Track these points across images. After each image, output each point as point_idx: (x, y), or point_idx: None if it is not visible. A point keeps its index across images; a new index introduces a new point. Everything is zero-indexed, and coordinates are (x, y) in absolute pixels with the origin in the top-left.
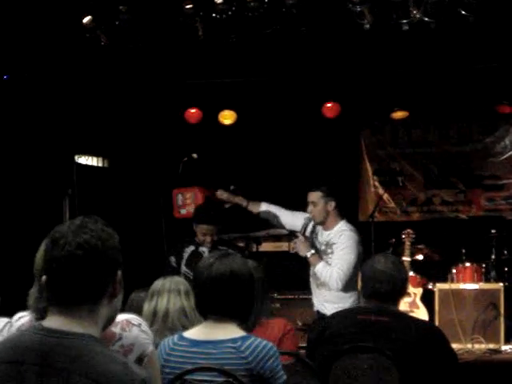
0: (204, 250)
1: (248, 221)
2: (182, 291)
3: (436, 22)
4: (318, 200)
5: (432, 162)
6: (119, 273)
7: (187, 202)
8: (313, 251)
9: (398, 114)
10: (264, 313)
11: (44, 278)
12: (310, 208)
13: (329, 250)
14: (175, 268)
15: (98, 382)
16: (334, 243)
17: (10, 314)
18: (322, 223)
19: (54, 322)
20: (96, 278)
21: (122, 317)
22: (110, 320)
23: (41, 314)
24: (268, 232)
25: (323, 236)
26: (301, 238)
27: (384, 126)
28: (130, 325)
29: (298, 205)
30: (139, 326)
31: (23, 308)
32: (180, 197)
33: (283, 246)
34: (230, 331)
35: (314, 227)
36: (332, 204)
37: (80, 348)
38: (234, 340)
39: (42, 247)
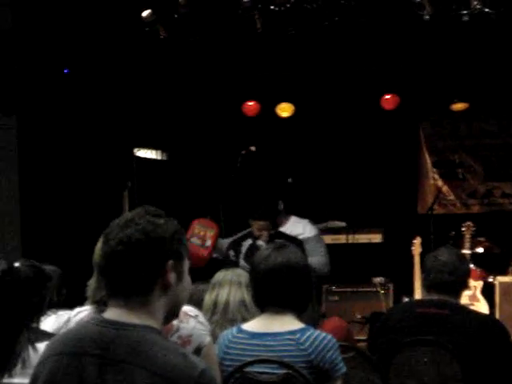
0: (261, 243)
1: (307, 214)
2: (243, 283)
3: (496, 12)
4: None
5: (492, 154)
6: (170, 263)
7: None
8: None
9: (458, 106)
10: (317, 318)
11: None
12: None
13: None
14: (234, 262)
15: (157, 374)
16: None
17: (73, 305)
18: None
19: (112, 313)
20: (141, 270)
21: None
22: (175, 311)
23: (99, 305)
24: (326, 225)
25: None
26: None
27: (443, 117)
28: (187, 316)
29: (356, 196)
30: (196, 317)
31: (84, 300)
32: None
33: (341, 239)
34: (288, 323)
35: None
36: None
37: (139, 339)
38: (292, 332)
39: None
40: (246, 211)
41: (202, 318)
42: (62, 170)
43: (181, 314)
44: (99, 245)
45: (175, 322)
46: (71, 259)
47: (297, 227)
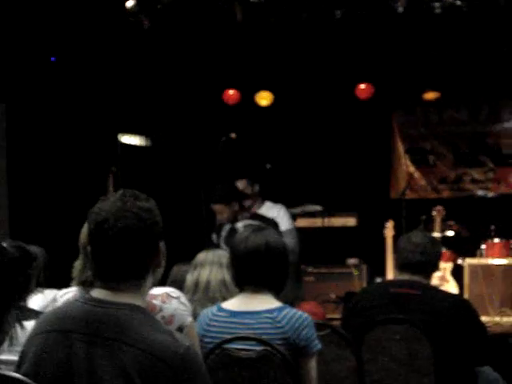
0: (239, 226)
1: (284, 198)
2: (224, 264)
3: (467, 5)
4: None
5: (462, 141)
6: (161, 244)
7: None
8: None
9: (430, 95)
10: (298, 298)
11: (90, 256)
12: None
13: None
14: (216, 245)
15: (144, 351)
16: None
17: (58, 285)
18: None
19: (100, 292)
20: (140, 257)
21: (161, 290)
22: (153, 286)
23: (85, 286)
24: (303, 209)
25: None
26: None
27: (416, 106)
28: (169, 297)
29: (332, 181)
30: (178, 298)
31: (69, 280)
32: None
33: (317, 222)
34: (266, 302)
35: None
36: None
37: (126, 318)
38: (270, 310)
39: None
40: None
41: (183, 299)
42: (48, 154)
43: (163, 296)
44: (85, 229)
45: (158, 303)
46: (57, 241)
47: (271, 213)
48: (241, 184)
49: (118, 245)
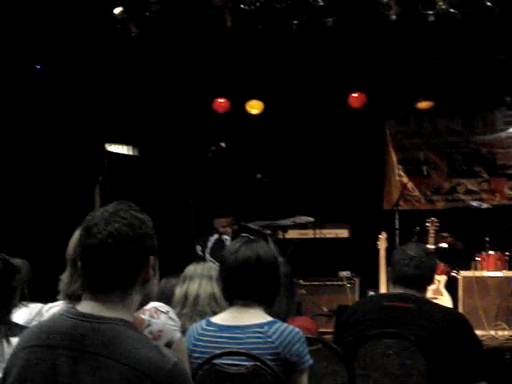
0: (226, 237)
1: (274, 209)
2: (214, 277)
3: (461, 12)
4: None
5: (456, 152)
6: (152, 258)
7: None
8: None
9: (423, 104)
10: (291, 312)
11: (79, 264)
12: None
13: None
14: (201, 256)
15: (130, 367)
16: None
17: (43, 298)
18: None
19: (87, 306)
20: (127, 265)
21: (150, 304)
22: (143, 304)
23: (71, 299)
24: (294, 220)
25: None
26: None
27: (409, 115)
28: (158, 312)
29: (324, 192)
30: (167, 313)
31: (54, 294)
32: None
33: (309, 234)
34: (256, 316)
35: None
36: None
37: (112, 333)
38: (260, 325)
39: (76, 234)
40: (209, 210)
41: (172, 314)
42: (34, 164)
43: (152, 310)
44: (74, 239)
45: (146, 317)
46: (41, 253)
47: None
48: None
49: (106, 249)
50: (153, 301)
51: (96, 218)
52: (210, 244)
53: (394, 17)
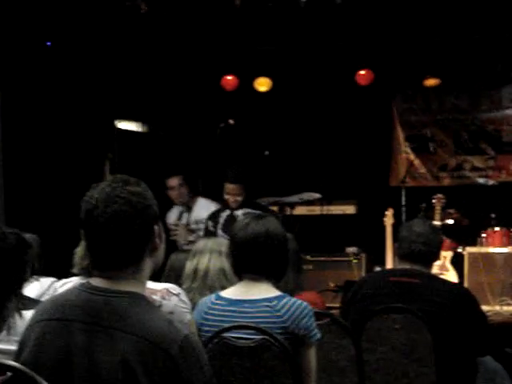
0: (239, 214)
1: (282, 185)
2: (224, 252)
3: None
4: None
5: (463, 129)
6: (156, 227)
7: None
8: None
9: (430, 82)
10: (298, 287)
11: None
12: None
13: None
14: (212, 232)
15: (143, 338)
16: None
17: (53, 273)
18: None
19: (100, 280)
20: (133, 242)
21: (162, 285)
22: (154, 271)
23: (85, 273)
24: (301, 197)
25: (192, 216)
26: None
27: (416, 93)
28: (169, 294)
29: (331, 168)
30: (178, 295)
31: (66, 268)
32: None
33: (316, 210)
34: (265, 290)
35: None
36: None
37: (125, 305)
38: (269, 299)
39: None
40: (218, 186)
41: (183, 296)
42: (44, 140)
43: (164, 292)
44: None
45: (158, 298)
46: (53, 228)
47: (202, 213)
48: (173, 181)
49: (110, 232)
50: (160, 265)
51: (93, 200)
52: (221, 220)
53: None
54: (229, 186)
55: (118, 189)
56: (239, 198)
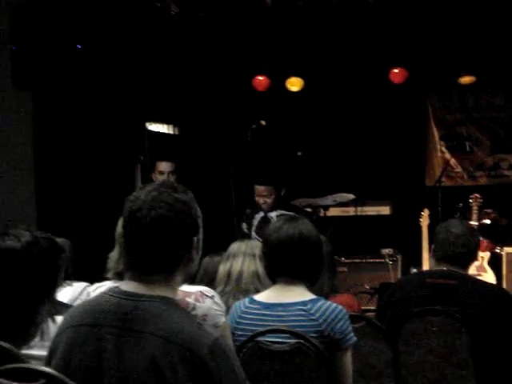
0: (273, 215)
1: (315, 186)
2: (257, 255)
3: None
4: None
5: (499, 127)
6: (195, 239)
7: None
8: None
9: (466, 79)
10: (333, 290)
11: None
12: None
13: None
14: (247, 234)
15: (171, 341)
16: None
17: (85, 277)
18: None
19: (130, 285)
20: (171, 249)
21: (196, 288)
22: (185, 280)
23: (119, 278)
24: (335, 199)
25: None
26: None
27: (451, 91)
28: (203, 296)
29: (365, 168)
30: (212, 298)
31: (98, 273)
32: None
33: (350, 211)
34: (299, 294)
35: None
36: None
37: (155, 310)
38: (304, 303)
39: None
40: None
41: (218, 298)
42: (75, 143)
43: (198, 294)
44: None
45: (192, 301)
46: (85, 232)
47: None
48: (166, 165)
49: (151, 235)
50: (191, 276)
51: (139, 202)
52: (255, 222)
53: None
54: (258, 188)
55: (164, 194)
56: (269, 200)
